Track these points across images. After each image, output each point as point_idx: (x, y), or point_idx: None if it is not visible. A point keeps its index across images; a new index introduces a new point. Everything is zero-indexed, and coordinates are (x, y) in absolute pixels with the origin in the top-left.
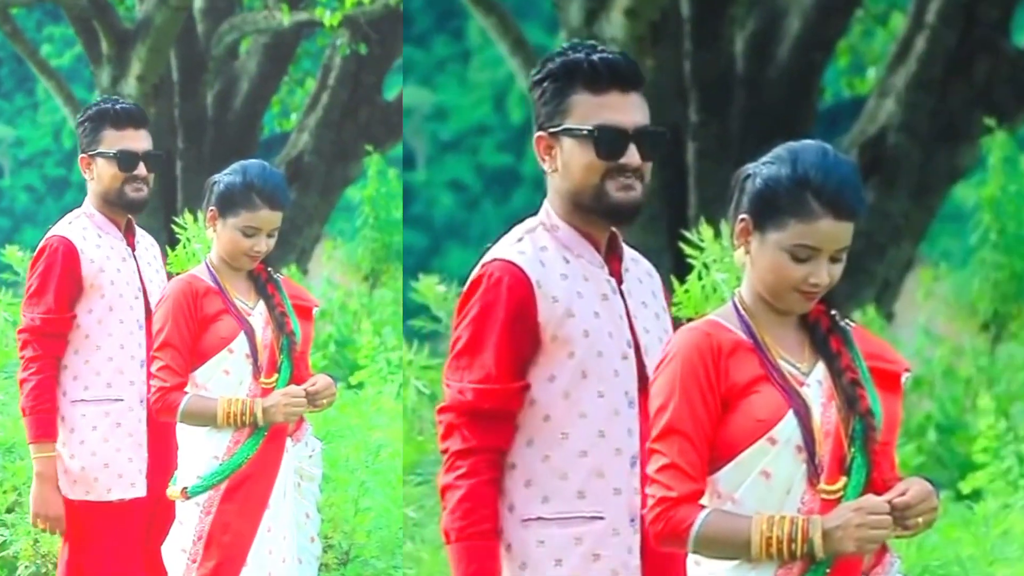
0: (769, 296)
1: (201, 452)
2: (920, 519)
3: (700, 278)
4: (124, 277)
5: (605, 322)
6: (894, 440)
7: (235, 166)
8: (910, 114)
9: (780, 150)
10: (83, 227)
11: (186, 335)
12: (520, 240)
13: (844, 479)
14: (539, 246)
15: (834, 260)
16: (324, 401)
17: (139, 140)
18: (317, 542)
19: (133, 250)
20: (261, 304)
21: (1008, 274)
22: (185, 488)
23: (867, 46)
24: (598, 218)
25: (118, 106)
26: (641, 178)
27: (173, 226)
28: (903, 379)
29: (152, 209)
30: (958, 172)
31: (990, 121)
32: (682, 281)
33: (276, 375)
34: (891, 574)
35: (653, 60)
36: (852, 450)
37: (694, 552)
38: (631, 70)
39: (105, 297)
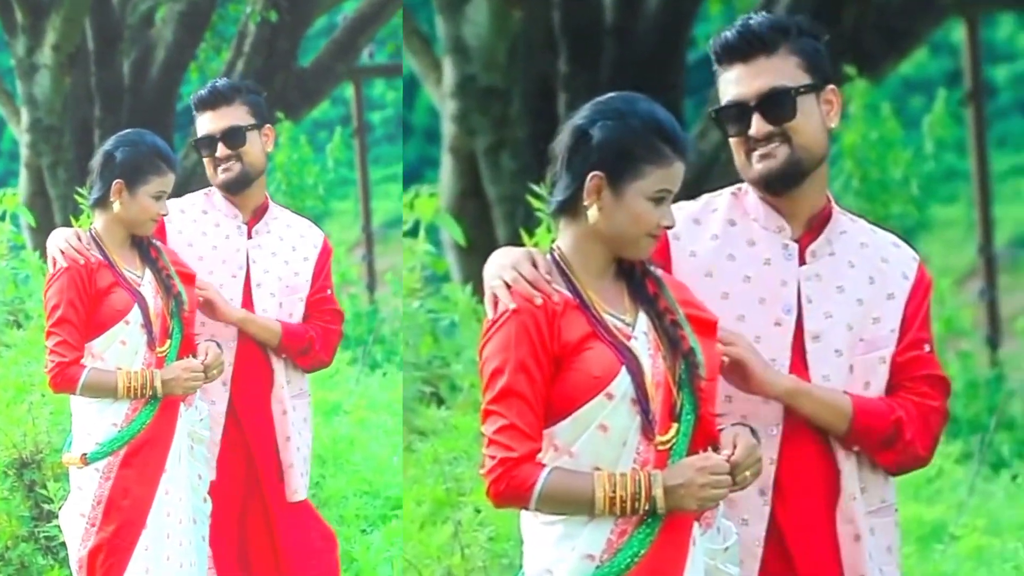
0: (619, 245)
1: (99, 420)
2: (748, 473)
3: (549, 231)
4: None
5: (757, 287)
6: (715, 382)
7: (126, 135)
8: None
9: (605, 105)
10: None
11: (81, 311)
12: (698, 198)
13: (675, 426)
14: (711, 207)
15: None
16: (215, 372)
17: (214, 121)
18: (209, 501)
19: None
20: (148, 273)
21: (871, 220)
22: (85, 454)
23: None
24: (759, 189)
25: (198, 93)
26: (786, 141)
27: (76, 196)
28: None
29: (69, 177)
30: None
31: (851, 69)
32: (531, 234)
33: (168, 341)
34: (718, 517)
35: (521, 11)
36: (680, 396)
37: (536, 510)
38: (745, 39)
39: None
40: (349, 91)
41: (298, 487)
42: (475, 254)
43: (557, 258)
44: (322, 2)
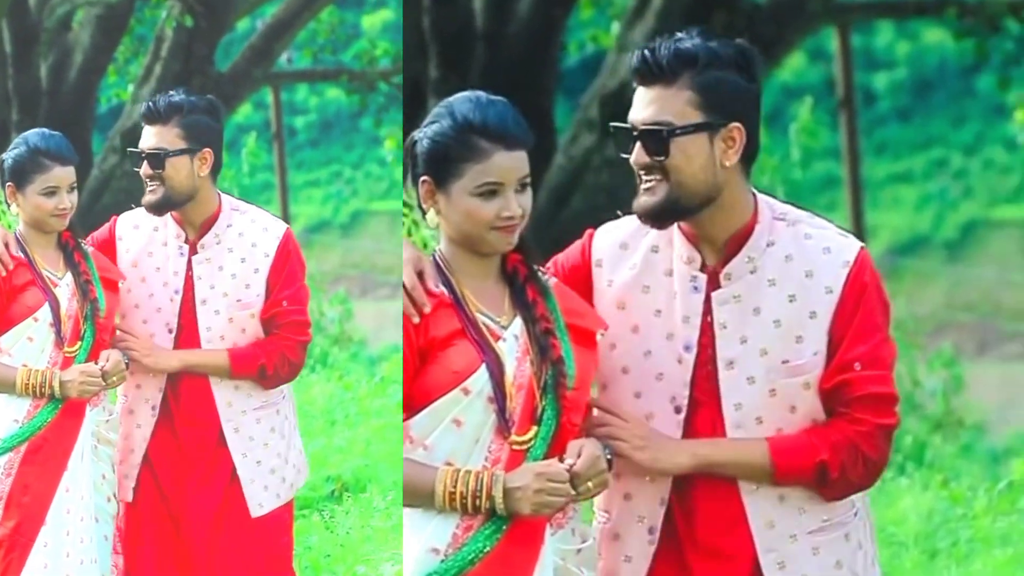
0: (471, 243)
1: (1, 415)
2: (590, 484)
3: (409, 234)
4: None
5: (666, 321)
6: (587, 392)
7: (16, 140)
8: None
9: (437, 108)
10: None
11: None
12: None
13: (535, 429)
14: (644, 230)
15: (520, 190)
16: (115, 379)
17: (145, 138)
18: (113, 501)
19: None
20: (69, 276)
21: (818, 214)
22: None
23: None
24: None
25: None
26: (665, 177)
27: None
28: (598, 336)
29: None
30: None
31: None
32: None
33: (79, 343)
34: (573, 519)
35: (393, 15)
36: (544, 401)
37: None
38: (647, 64)
39: None
40: (270, 96)
41: (262, 500)
42: None
43: (438, 259)
44: (239, 7)
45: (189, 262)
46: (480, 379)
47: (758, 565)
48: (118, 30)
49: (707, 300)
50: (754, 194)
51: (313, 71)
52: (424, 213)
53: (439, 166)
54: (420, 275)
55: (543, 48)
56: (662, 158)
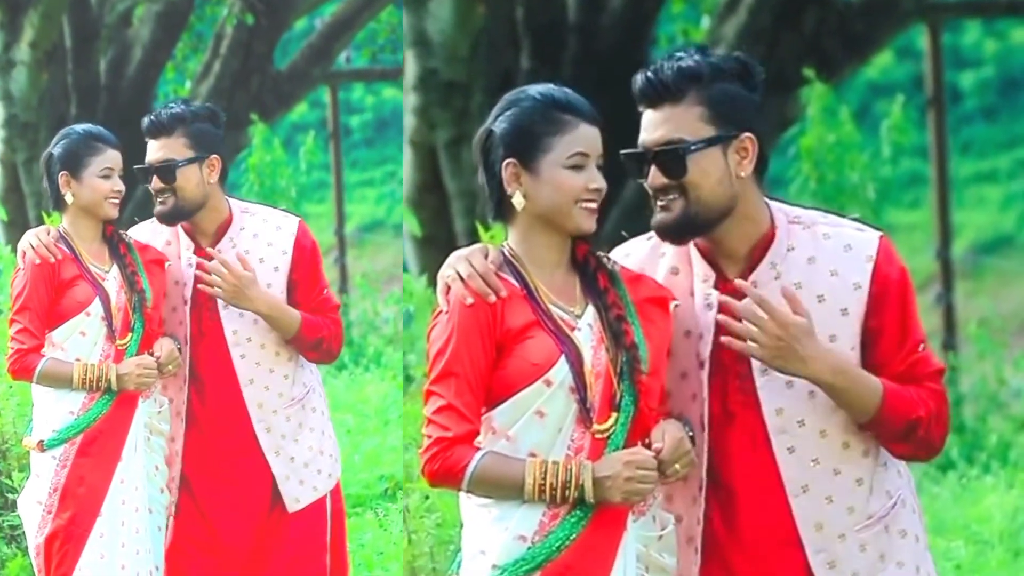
0: (557, 220)
1: (57, 407)
2: (678, 466)
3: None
4: None
5: (695, 342)
6: (661, 377)
7: (61, 132)
8: None
9: (501, 105)
10: None
11: (44, 301)
12: (650, 238)
13: (614, 415)
14: (659, 251)
15: (599, 168)
16: (170, 367)
17: (153, 151)
18: (166, 492)
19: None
20: (115, 269)
21: (829, 210)
22: (41, 441)
23: None
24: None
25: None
26: (683, 194)
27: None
28: (671, 306)
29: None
30: (787, 122)
31: (809, 72)
32: (487, 228)
33: (130, 335)
34: (654, 506)
35: (484, 6)
36: (621, 387)
37: (468, 492)
38: (652, 85)
39: None
40: (327, 95)
41: (299, 495)
42: (432, 246)
43: (507, 252)
44: (299, 6)
45: (204, 269)
46: (561, 370)
47: (804, 571)
48: (178, 27)
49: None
50: (767, 202)
51: (372, 70)
52: (498, 208)
53: (526, 144)
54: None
55: (635, 41)
56: (681, 177)
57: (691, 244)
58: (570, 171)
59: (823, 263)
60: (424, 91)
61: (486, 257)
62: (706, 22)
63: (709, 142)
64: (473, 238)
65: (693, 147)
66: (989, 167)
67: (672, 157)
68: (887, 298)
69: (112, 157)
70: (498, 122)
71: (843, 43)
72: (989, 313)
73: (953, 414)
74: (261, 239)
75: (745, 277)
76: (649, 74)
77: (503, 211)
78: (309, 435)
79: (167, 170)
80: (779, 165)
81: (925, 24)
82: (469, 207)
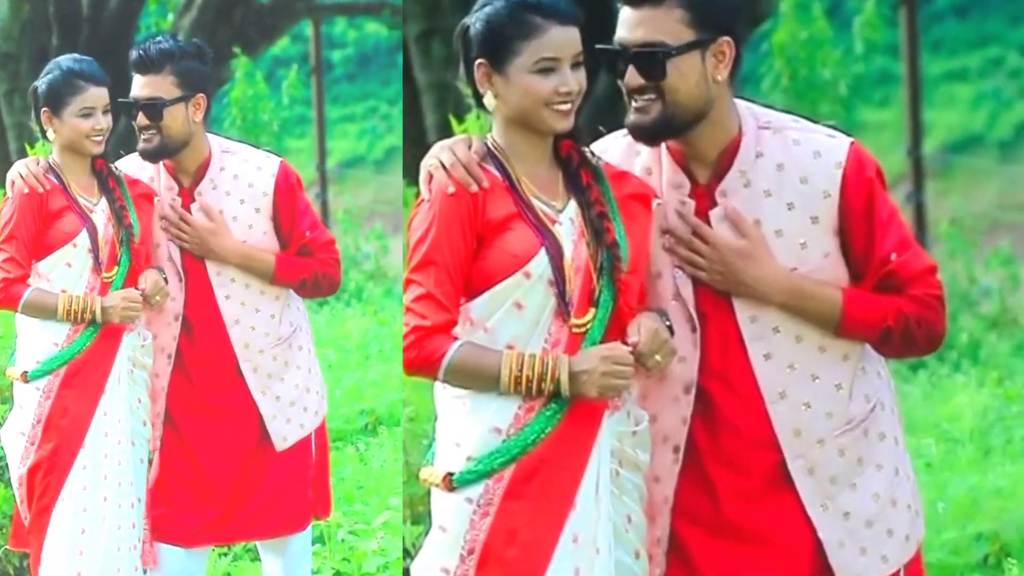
0: (529, 123)
1: (41, 338)
2: (658, 357)
3: (478, 117)
4: None
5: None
6: (641, 275)
7: (48, 66)
8: None
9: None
10: None
11: (31, 231)
12: (626, 135)
13: (592, 311)
14: (634, 150)
15: (575, 67)
16: (157, 298)
17: (139, 87)
18: (148, 425)
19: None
20: (103, 202)
21: (801, 115)
22: (25, 372)
23: None
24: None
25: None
26: (660, 96)
27: (33, 124)
28: (653, 204)
29: (25, 105)
30: (759, 18)
31: None
32: (461, 120)
33: (116, 268)
34: (628, 402)
35: None
36: (600, 283)
37: (444, 381)
38: None
39: None
40: (309, 29)
41: (287, 434)
42: (406, 141)
43: (491, 144)
44: None
45: (188, 210)
46: (541, 262)
47: (781, 475)
48: None
49: (704, 219)
50: (736, 105)
51: (355, 4)
52: (480, 100)
53: (495, 46)
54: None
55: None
56: (661, 80)
57: (663, 146)
58: (538, 75)
59: (792, 170)
60: None
61: (469, 147)
62: None
63: (689, 46)
64: (444, 132)
65: (674, 51)
66: (960, 66)
67: (652, 60)
68: (854, 207)
69: (94, 95)
70: (473, 19)
71: None
72: (960, 212)
73: None
74: (242, 180)
75: (714, 184)
76: None
77: (484, 104)
78: (296, 373)
79: (154, 108)
80: (751, 61)
81: None
82: (440, 99)
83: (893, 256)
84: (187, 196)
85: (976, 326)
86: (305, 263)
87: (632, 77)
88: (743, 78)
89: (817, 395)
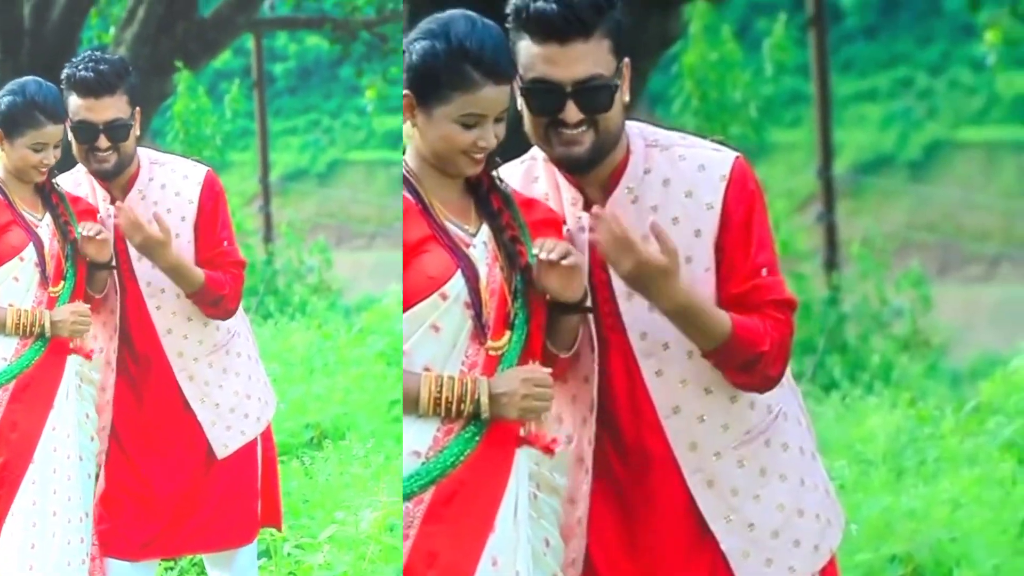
0: (439, 162)
1: None
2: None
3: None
4: None
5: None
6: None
7: (11, 85)
8: None
9: (428, 23)
10: None
11: None
12: (523, 162)
13: (508, 334)
14: (532, 175)
15: (497, 120)
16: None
17: (97, 111)
18: (96, 440)
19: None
20: (48, 217)
21: (690, 132)
22: None
23: None
24: (558, 168)
25: (79, 73)
26: (593, 127)
27: None
28: (563, 230)
29: None
30: (670, 39)
31: None
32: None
33: (63, 283)
34: (546, 421)
35: None
36: (515, 306)
37: None
38: (566, 19)
39: None
40: (251, 42)
41: (227, 440)
42: None
43: (404, 169)
44: None
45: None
46: (457, 284)
47: (684, 490)
48: None
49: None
50: (624, 124)
51: (296, 19)
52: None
53: (425, 86)
54: None
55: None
56: (607, 111)
57: (556, 169)
58: (460, 126)
59: (678, 185)
60: None
61: None
62: None
63: (618, 73)
64: None
65: (618, 83)
66: (869, 86)
67: (600, 94)
68: (743, 219)
69: (49, 132)
70: (413, 48)
71: None
72: (871, 232)
73: (836, 334)
74: (169, 189)
75: (603, 201)
76: (559, 8)
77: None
78: (235, 380)
79: (120, 130)
80: (662, 82)
81: None
82: None
83: (764, 272)
84: (118, 209)
85: (888, 347)
86: (223, 279)
87: (573, 113)
88: (654, 100)
89: (711, 408)
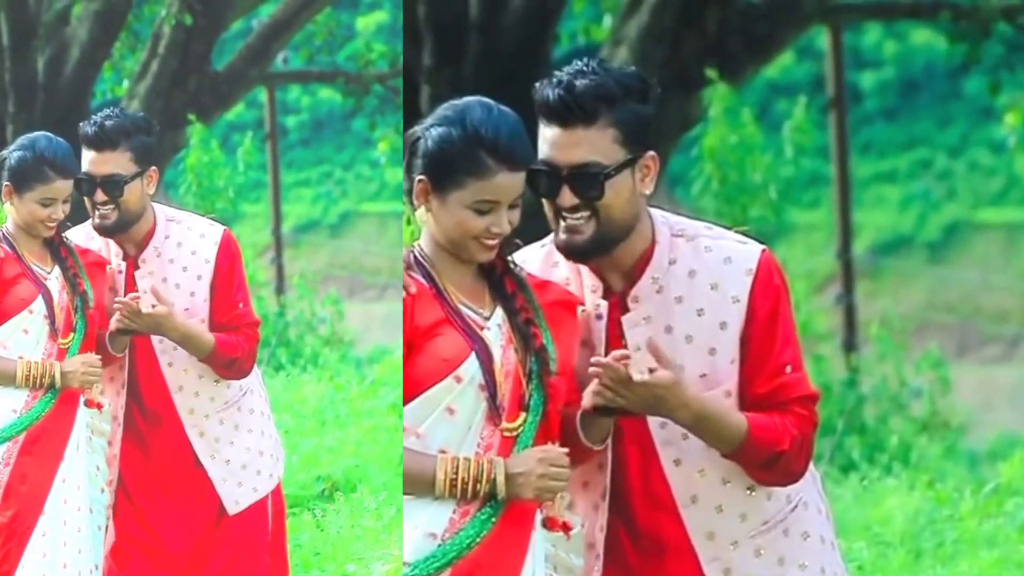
0: (453, 248)
1: None
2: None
3: (408, 223)
4: None
5: (591, 352)
6: (570, 378)
7: (22, 140)
8: (642, 63)
9: (445, 110)
10: None
11: None
12: (543, 246)
13: (523, 415)
14: (552, 261)
15: (512, 207)
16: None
17: (96, 164)
18: (106, 492)
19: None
20: (57, 269)
21: (729, 223)
22: None
23: None
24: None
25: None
26: (594, 215)
27: None
28: (579, 311)
29: None
30: (690, 122)
31: (711, 72)
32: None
33: (72, 334)
34: (562, 507)
35: (388, 17)
36: (530, 387)
37: None
38: (566, 104)
39: None
40: (264, 95)
41: (238, 497)
42: None
43: (417, 252)
44: (237, 7)
45: (132, 278)
46: (471, 367)
47: (700, 574)
48: (116, 26)
49: (617, 325)
50: (651, 214)
51: (309, 72)
52: (413, 207)
53: (441, 172)
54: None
55: (536, 40)
56: (599, 199)
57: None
58: (474, 212)
59: (703, 276)
60: None
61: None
62: (608, 21)
63: (624, 164)
64: None
65: (612, 171)
66: (889, 167)
67: (591, 180)
68: (769, 314)
69: (58, 187)
70: (428, 133)
71: (745, 43)
72: (889, 314)
73: (854, 415)
74: (185, 248)
75: (628, 291)
76: (562, 93)
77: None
78: (246, 437)
79: (115, 185)
80: (681, 164)
81: (826, 25)
82: None
83: (788, 369)
84: (132, 264)
85: (907, 429)
86: (236, 341)
87: (567, 198)
88: (673, 181)
89: (729, 499)
